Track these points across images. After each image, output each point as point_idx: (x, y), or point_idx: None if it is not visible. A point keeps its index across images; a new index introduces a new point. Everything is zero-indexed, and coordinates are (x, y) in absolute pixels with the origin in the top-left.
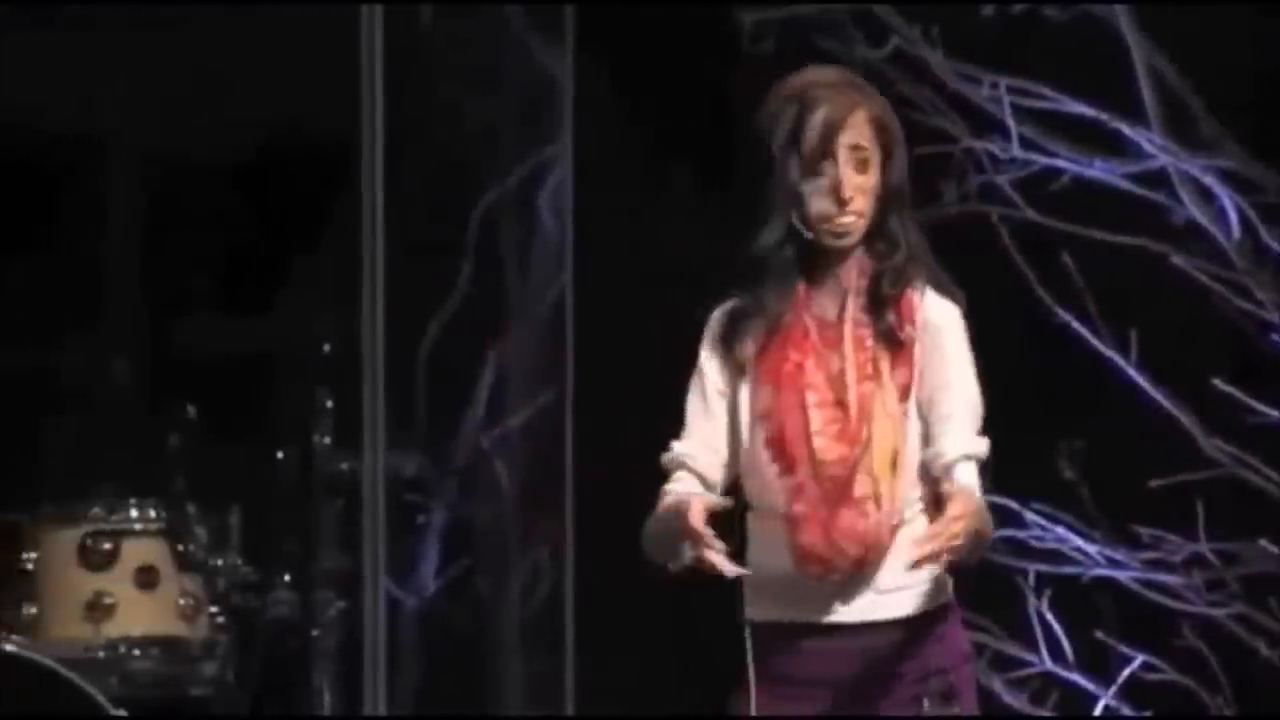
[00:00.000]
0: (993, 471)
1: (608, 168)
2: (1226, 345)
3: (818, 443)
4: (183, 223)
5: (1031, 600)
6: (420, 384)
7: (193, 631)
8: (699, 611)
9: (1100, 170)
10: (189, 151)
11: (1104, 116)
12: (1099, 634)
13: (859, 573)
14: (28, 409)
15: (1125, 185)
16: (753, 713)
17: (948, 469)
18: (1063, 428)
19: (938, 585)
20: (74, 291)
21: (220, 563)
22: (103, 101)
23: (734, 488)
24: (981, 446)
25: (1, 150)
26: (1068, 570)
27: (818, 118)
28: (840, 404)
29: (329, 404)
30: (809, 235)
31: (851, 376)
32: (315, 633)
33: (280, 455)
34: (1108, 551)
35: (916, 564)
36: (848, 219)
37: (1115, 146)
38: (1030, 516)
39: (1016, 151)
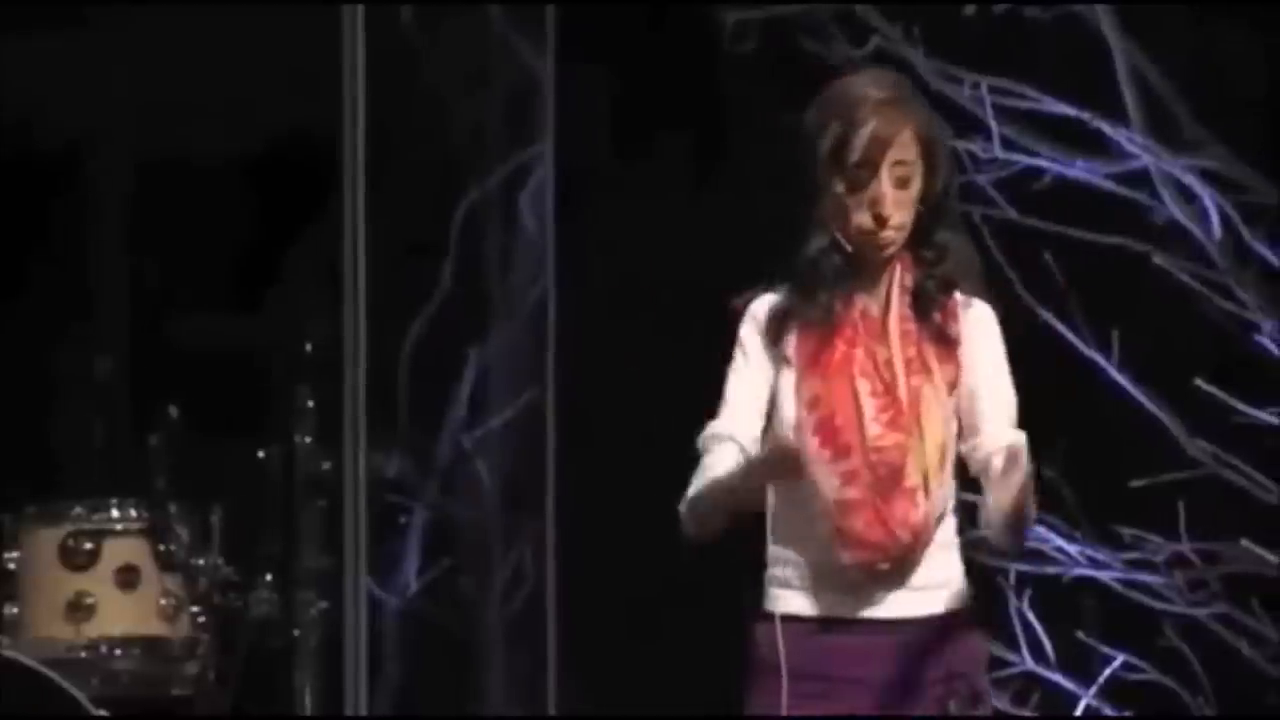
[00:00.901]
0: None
1: (589, 168)
2: (1208, 345)
3: (872, 430)
4: (165, 222)
5: (1012, 600)
6: (402, 384)
7: (174, 631)
8: (682, 610)
9: (1082, 170)
10: (171, 151)
11: (1085, 116)
12: (1080, 634)
13: (904, 562)
14: (9, 407)
15: (1107, 185)
16: (783, 710)
17: (987, 459)
18: (1044, 428)
19: (964, 585)
20: (56, 290)
21: (202, 562)
22: (85, 101)
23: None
24: (1021, 438)
25: None
26: (1049, 570)
27: (864, 135)
28: (890, 393)
29: (310, 403)
30: (849, 249)
31: (900, 369)
32: (297, 632)
33: (262, 455)
34: (1089, 551)
35: (1007, 470)
36: (887, 234)
37: (1097, 146)
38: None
39: (998, 151)
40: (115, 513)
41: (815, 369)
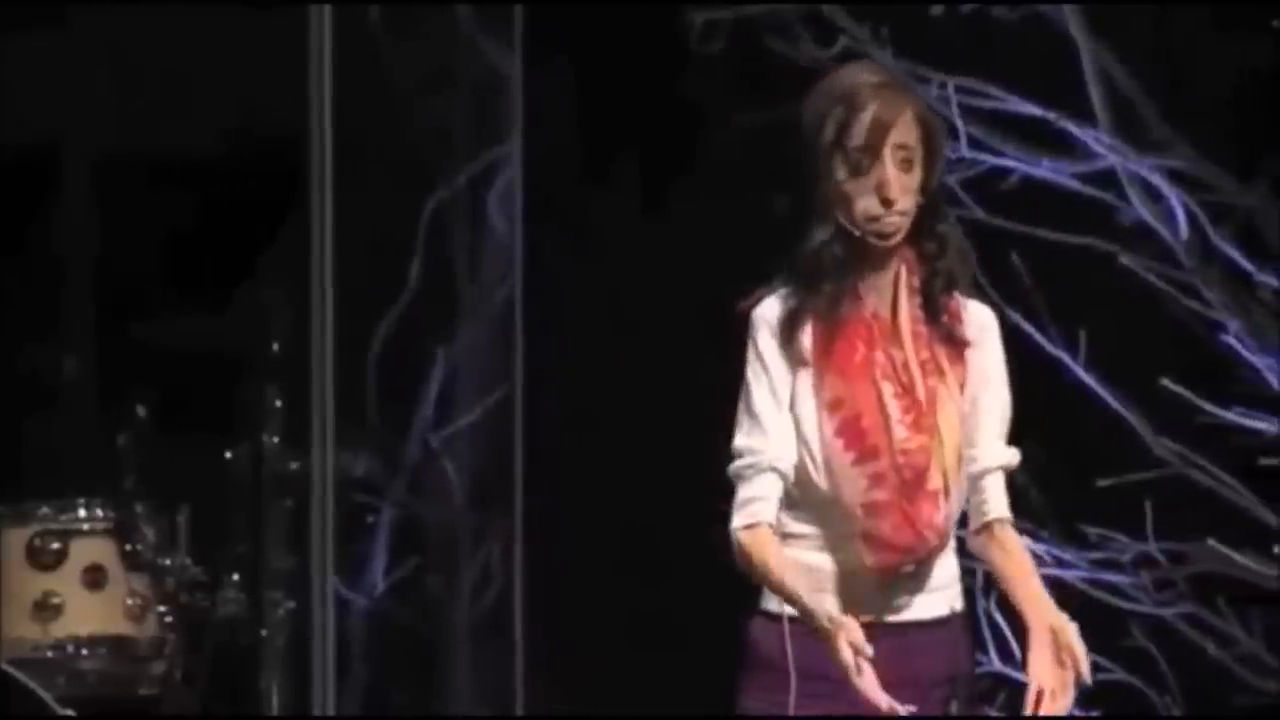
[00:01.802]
0: None
1: (557, 167)
2: (1175, 345)
3: (898, 432)
4: (132, 222)
5: (979, 600)
6: (370, 383)
7: (141, 631)
8: (651, 610)
9: (1048, 170)
10: (139, 151)
11: (1052, 116)
12: None
13: (925, 564)
14: None
15: (1074, 185)
16: (791, 710)
17: (979, 477)
18: (1011, 427)
19: (958, 589)
20: (23, 290)
21: (169, 562)
22: (52, 101)
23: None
24: (1015, 457)
25: None
26: None
27: (865, 118)
28: (911, 395)
29: (278, 403)
30: (856, 233)
31: (916, 370)
32: (264, 632)
33: (229, 455)
34: (1056, 551)
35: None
36: (893, 219)
37: (1064, 146)
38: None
39: (965, 151)
40: (82, 512)
41: (835, 370)
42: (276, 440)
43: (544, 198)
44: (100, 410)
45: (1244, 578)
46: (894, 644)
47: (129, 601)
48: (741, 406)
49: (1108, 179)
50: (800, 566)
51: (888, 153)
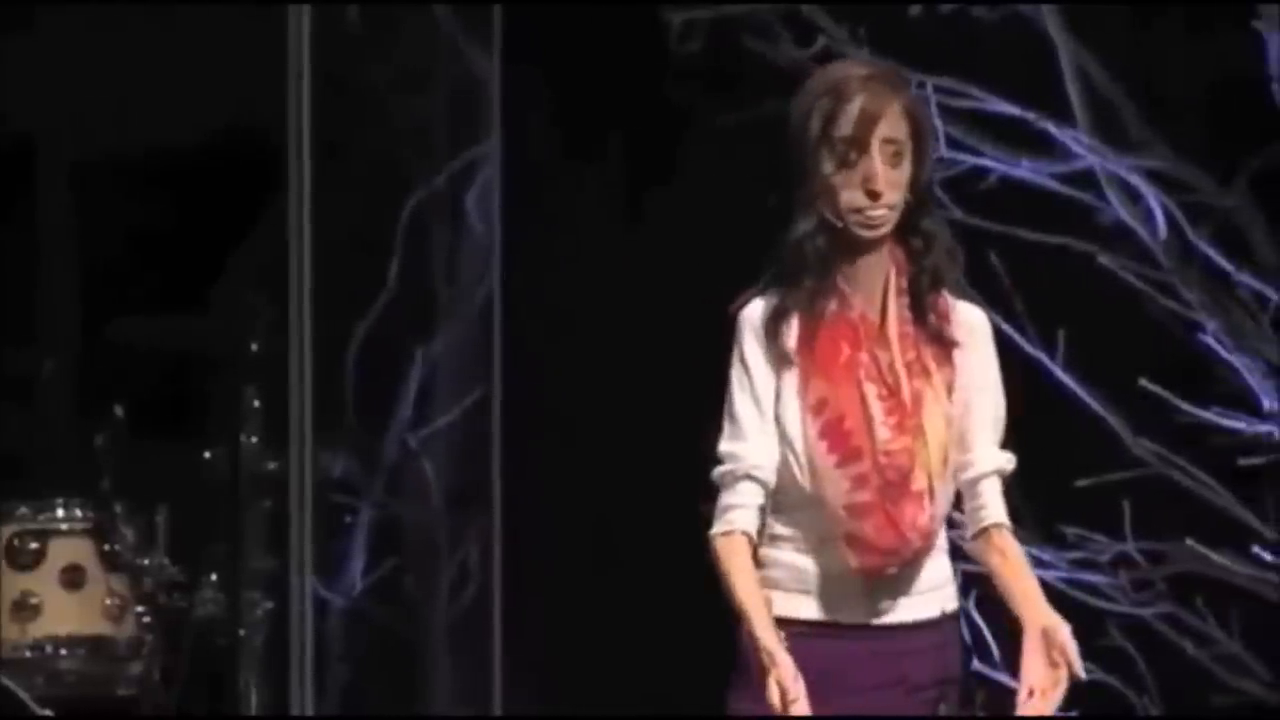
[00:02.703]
0: None
1: (536, 167)
2: (1153, 345)
3: (881, 434)
4: (110, 222)
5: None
6: (348, 383)
7: (119, 631)
8: (627, 611)
9: (1028, 170)
10: (117, 150)
11: (1031, 116)
12: None
13: (911, 566)
14: None
15: (1053, 185)
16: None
17: (975, 482)
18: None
19: (950, 590)
20: (0, 290)
21: (147, 562)
22: (30, 101)
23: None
24: (1010, 462)
25: None
26: None
27: (852, 110)
28: (895, 397)
29: (256, 403)
30: (839, 225)
31: (902, 371)
32: (242, 632)
33: (207, 455)
34: (1034, 551)
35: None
36: (879, 212)
37: (1043, 146)
38: (956, 516)
39: (944, 151)
40: (61, 513)
41: (819, 370)
42: (255, 440)
43: (522, 198)
44: (78, 410)
45: (1222, 578)
46: (881, 646)
47: (107, 601)
48: (725, 411)
49: (1087, 179)
50: (785, 568)
51: (875, 145)
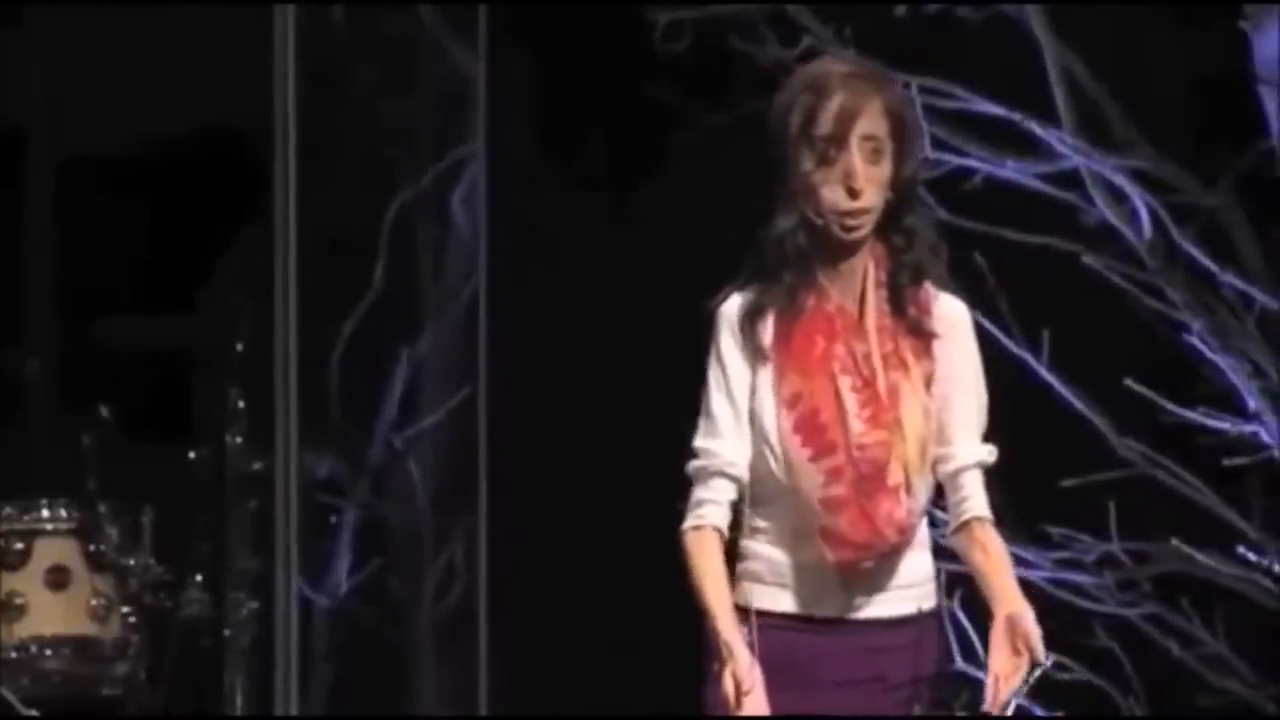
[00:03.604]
0: None
1: (521, 167)
2: (1138, 345)
3: (856, 427)
4: (95, 221)
5: (943, 599)
6: (333, 384)
7: (105, 631)
8: (613, 611)
9: (1012, 170)
10: (102, 150)
11: (1016, 116)
12: None
13: (888, 561)
14: None
15: (1038, 185)
16: (761, 704)
17: (956, 475)
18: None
19: (929, 588)
20: None
21: (132, 562)
22: (15, 100)
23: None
24: (991, 454)
25: None
26: None
27: (832, 106)
28: (871, 389)
29: (241, 404)
30: (819, 223)
31: (879, 364)
32: (228, 632)
33: (193, 455)
34: (1019, 551)
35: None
36: (858, 210)
37: (1028, 146)
38: (941, 515)
39: (929, 151)
40: (46, 513)
41: (794, 364)
42: (240, 441)
43: (508, 198)
44: (64, 411)
45: (1207, 578)
46: (856, 642)
47: (93, 602)
48: (701, 407)
49: (1071, 179)
50: (763, 561)
51: (854, 142)
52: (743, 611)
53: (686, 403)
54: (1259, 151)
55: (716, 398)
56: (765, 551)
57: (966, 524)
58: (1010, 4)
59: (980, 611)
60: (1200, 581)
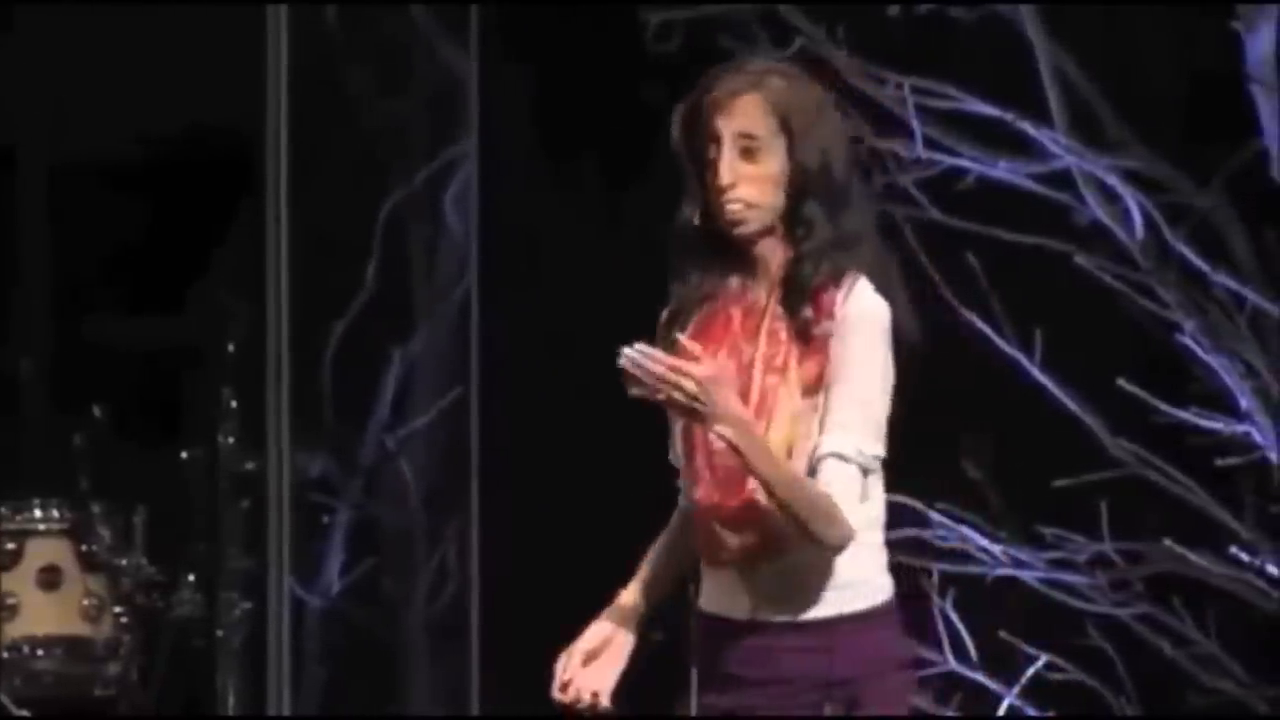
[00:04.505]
0: (897, 471)
1: (513, 167)
2: (1131, 345)
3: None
4: (87, 222)
5: (935, 600)
6: (325, 384)
7: (97, 631)
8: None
9: (1005, 170)
10: (94, 151)
11: (1009, 117)
12: (1003, 634)
13: (753, 565)
14: None
15: (1030, 185)
16: (692, 705)
17: (815, 466)
18: (967, 428)
19: (856, 591)
20: None
21: (125, 563)
22: (8, 101)
23: None
24: (851, 446)
25: None
26: (972, 570)
27: (708, 104)
28: (743, 395)
29: (234, 404)
30: (713, 223)
31: (758, 369)
32: (220, 633)
33: (185, 455)
34: (1012, 551)
35: (627, 374)
36: (734, 205)
37: (1020, 147)
38: (934, 516)
39: (921, 151)
40: (38, 513)
41: None
42: (232, 441)
43: (500, 198)
44: (56, 411)
45: (1200, 578)
46: (764, 643)
47: (85, 602)
48: None
49: (1064, 179)
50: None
51: (728, 138)
52: (696, 613)
53: None
54: (1251, 152)
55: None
56: (698, 553)
57: None
58: (1003, 4)
59: (974, 613)
60: (1193, 582)
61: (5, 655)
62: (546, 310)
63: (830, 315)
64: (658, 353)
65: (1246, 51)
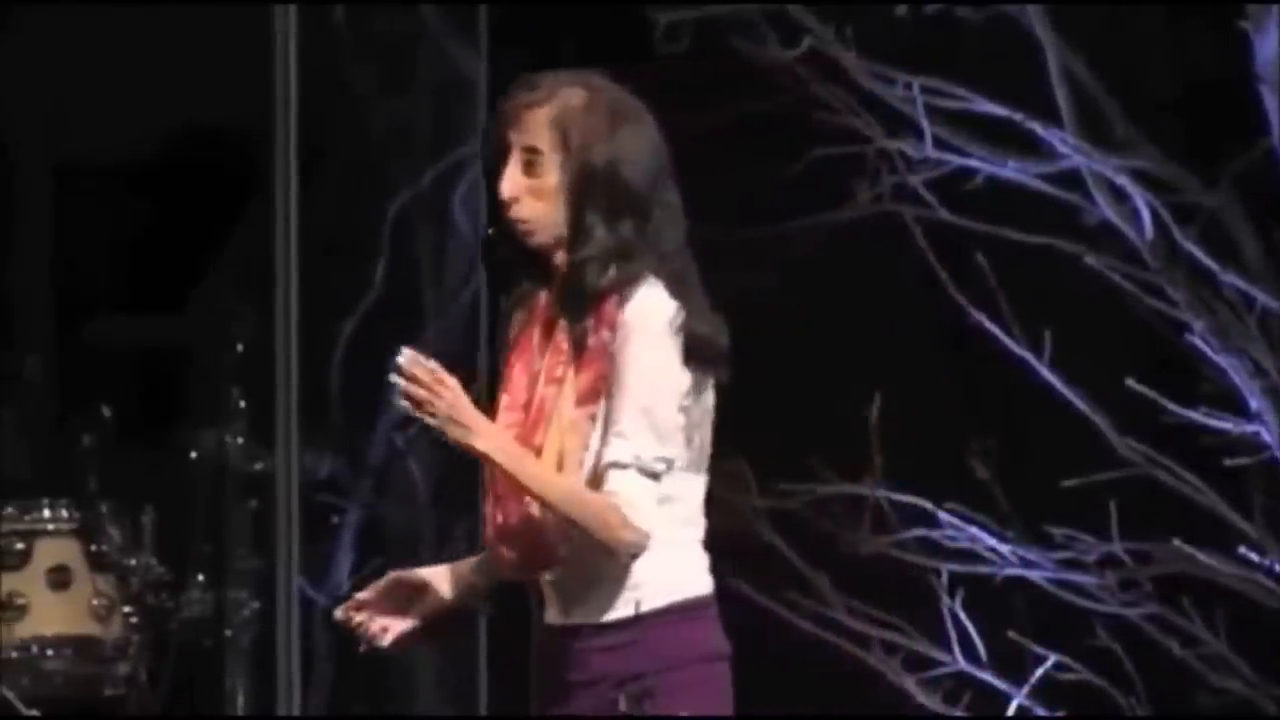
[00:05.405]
0: (907, 472)
1: None
2: (1140, 345)
3: None
4: (96, 222)
5: (945, 600)
6: (334, 384)
7: (106, 631)
8: None
9: (1014, 170)
10: (102, 150)
11: (1018, 117)
12: (1012, 634)
13: (534, 571)
14: None
15: (1039, 185)
16: (532, 711)
17: (599, 478)
18: (976, 428)
19: (655, 589)
20: None
21: (134, 562)
22: (14, 100)
23: None
24: (628, 453)
25: None
26: (981, 570)
27: (498, 117)
28: (525, 409)
29: (242, 404)
30: (504, 238)
31: (542, 382)
32: (229, 633)
33: (194, 455)
34: (1021, 551)
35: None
36: (517, 218)
37: (1029, 147)
38: (943, 516)
39: (930, 152)
40: (47, 513)
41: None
42: (241, 441)
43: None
44: (65, 411)
45: (1209, 578)
46: (580, 644)
47: (94, 602)
48: None
49: (1073, 179)
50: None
51: (514, 154)
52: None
53: None
54: (1260, 151)
55: None
56: None
57: None
58: (1012, 4)
59: (984, 613)
60: (1201, 581)
61: (14, 655)
62: None
63: (611, 324)
64: (428, 363)
65: (1254, 51)
